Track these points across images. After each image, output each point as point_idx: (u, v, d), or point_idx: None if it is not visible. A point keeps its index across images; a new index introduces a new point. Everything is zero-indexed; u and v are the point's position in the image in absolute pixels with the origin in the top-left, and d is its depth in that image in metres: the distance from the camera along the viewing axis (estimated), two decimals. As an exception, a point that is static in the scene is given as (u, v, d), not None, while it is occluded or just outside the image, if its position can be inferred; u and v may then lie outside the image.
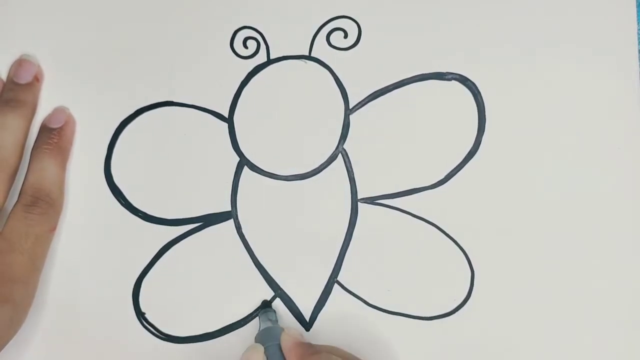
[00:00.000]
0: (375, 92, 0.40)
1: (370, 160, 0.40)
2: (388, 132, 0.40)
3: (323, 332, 0.39)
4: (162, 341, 0.39)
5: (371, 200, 0.40)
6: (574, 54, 0.40)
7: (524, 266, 0.39)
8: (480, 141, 0.40)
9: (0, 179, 0.38)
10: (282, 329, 0.36)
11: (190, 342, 0.39)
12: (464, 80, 0.40)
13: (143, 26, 0.41)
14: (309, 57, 0.41)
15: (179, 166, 0.40)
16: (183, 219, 0.40)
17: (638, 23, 0.40)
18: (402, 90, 0.40)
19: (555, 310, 0.39)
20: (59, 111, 0.40)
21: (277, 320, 0.38)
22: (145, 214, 0.40)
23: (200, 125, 0.40)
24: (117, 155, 0.40)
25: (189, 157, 0.40)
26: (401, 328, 0.39)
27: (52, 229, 0.39)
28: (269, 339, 0.36)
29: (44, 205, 0.38)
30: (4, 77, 0.40)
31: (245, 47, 0.41)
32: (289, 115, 0.40)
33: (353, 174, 0.40)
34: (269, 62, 0.41)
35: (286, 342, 0.35)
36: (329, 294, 0.39)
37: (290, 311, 0.39)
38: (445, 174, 0.40)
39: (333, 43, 0.41)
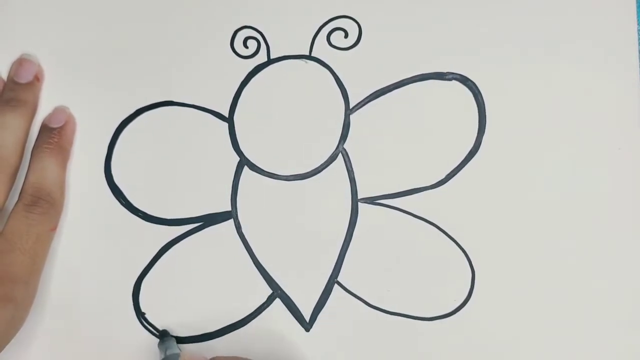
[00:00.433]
0: (375, 92, 0.40)
1: (371, 160, 0.40)
2: (388, 132, 0.40)
3: (323, 332, 0.39)
4: (162, 341, 0.39)
5: (371, 200, 0.40)
6: (574, 54, 0.40)
7: (524, 266, 0.39)
8: (481, 141, 0.40)
9: (1, 178, 0.38)
10: (179, 355, 0.37)
11: (190, 342, 0.39)
12: (464, 80, 0.40)
13: (143, 26, 0.41)
14: (309, 57, 0.41)
15: (179, 166, 0.40)
16: (183, 219, 0.40)
17: (638, 23, 0.40)
18: (403, 90, 0.40)
19: (556, 310, 0.39)
20: (59, 111, 0.40)
21: (176, 349, 0.38)
22: (145, 213, 0.40)
23: (200, 125, 0.40)
24: (117, 155, 0.40)
25: (189, 157, 0.40)
26: (401, 328, 0.39)
27: (53, 228, 0.39)
28: None
29: (44, 204, 0.38)
30: (5, 76, 0.40)
31: (246, 46, 0.41)
32: (289, 115, 0.40)
33: (353, 174, 0.40)
34: (269, 61, 0.41)
35: None
36: (329, 294, 0.39)
37: (290, 311, 0.39)
38: (446, 174, 0.40)
39: (333, 43, 0.41)
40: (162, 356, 0.37)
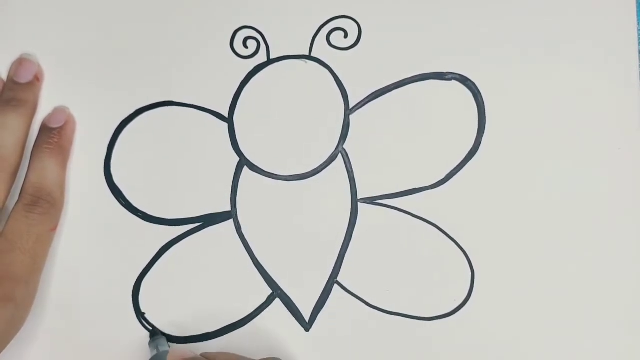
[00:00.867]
0: (375, 92, 0.40)
1: (370, 160, 0.40)
2: (388, 132, 0.40)
3: (322, 332, 0.39)
4: (162, 341, 0.39)
5: (371, 200, 0.40)
6: (574, 54, 0.40)
7: (524, 266, 0.39)
8: (481, 141, 0.40)
9: (1, 178, 0.38)
10: (167, 352, 0.37)
11: (190, 342, 0.39)
12: (464, 80, 0.40)
13: (143, 26, 0.41)
14: (309, 57, 0.41)
15: (178, 166, 0.40)
16: (183, 219, 0.40)
17: (638, 23, 0.40)
18: (402, 90, 0.40)
19: (556, 310, 0.39)
20: (59, 111, 0.40)
21: (167, 347, 0.38)
22: (145, 214, 0.40)
23: (200, 125, 0.40)
24: (117, 155, 0.40)
25: (188, 157, 0.40)
26: (401, 328, 0.39)
27: (53, 228, 0.39)
28: None
29: (45, 204, 0.38)
30: (5, 76, 0.40)
31: (245, 46, 0.41)
32: (289, 115, 0.40)
33: (353, 174, 0.40)
34: (269, 62, 0.41)
35: None
36: (329, 294, 0.39)
37: (290, 311, 0.39)
38: (446, 174, 0.40)
39: (333, 43, 0.41)
40: (153, 354, 0.38)
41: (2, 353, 0.36)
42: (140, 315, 0.39)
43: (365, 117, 0.40)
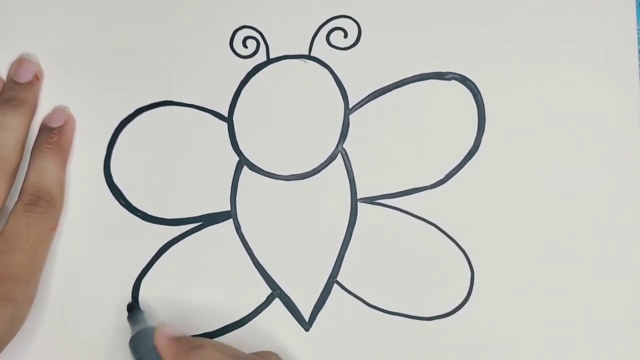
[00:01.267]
0: (375, 91, 0.40)
1: (370, 160, 0.40)
2: (388, 132, 0.40)
3: (322, 332, 0.39)
4: (161, 341, 0.39)
5: (371, 200, 0.40)
6: (574, 54, 0.40)
7: (523, 266, 0.39)
8: (480, 141, 0.40)
9: (1, 178, 0.38)
10: (154, 328, 0.36)
11: (189, 342, 0.39)
12: (464, 80, 0.40)
13: (143, 26, 0.41)
14: (308, 57, 0.41)
15: (178, 166, 0.40)
16: (182, 219, 0.40)
17: (638, 23, 0.40)
18: (402, 90, 0.40)
19: (555, 310, 0.39)
20: (58, 110, 0.40)
21: (147, 320, 0.37)
22: (144, 213, 0.40)
23: (199, 125, 0.40)
24: (117, 155, 0.40)
25: (188, 157, 0.40)
26: (401, 328, 0.39)
27: (53, 228, 0.39)
28: (141, 342, 0.35)
29: (44, 204, 0.38)
30: (4, 76, 0.40)
31: (245, 46, 0.41)
32: (288, 115, 0.40)
33: (353, 174, 0.40)
34: (269, 61, 0.41)
35: (159, 341, 0.35)
36: (329, 294, 0.39)
37: (290, 311, 0.39)
38: (445, 174, 0.40)
39: (333, 43, 0.41)
40: (135, 331, 0.36)
41: (2, 353, 0.36)
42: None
43: (364, 116, 0.40)
